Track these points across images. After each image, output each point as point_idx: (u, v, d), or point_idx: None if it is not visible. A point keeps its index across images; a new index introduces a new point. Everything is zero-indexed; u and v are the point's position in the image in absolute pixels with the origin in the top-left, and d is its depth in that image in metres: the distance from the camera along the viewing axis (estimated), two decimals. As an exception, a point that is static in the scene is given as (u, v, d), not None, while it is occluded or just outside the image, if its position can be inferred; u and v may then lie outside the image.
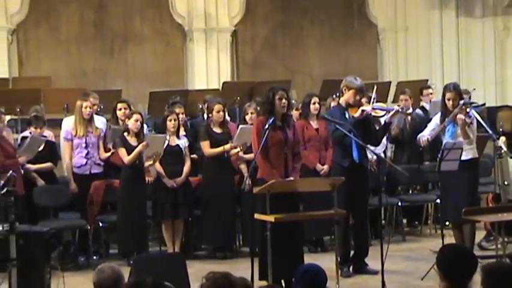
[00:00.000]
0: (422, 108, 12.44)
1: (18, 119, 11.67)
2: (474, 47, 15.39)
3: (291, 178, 8.27)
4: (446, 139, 9.30)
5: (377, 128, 9.32)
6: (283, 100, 8.31)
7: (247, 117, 10.31)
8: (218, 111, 10.32)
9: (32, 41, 14.30)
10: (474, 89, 10.18)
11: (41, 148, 10.18)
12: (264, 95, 8.57)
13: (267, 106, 8.41)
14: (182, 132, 10.48)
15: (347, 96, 9.11)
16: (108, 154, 10.34)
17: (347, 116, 8.98)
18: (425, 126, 10.06)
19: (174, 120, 10.18)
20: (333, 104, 10.55)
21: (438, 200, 10.64)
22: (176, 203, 10.08)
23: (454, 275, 4.95)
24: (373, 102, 9.21)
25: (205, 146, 10.28)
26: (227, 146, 10.19)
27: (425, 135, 9.47)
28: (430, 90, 12.55)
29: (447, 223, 9.85)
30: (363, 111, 8.91)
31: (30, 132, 10.31)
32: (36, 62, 14.29)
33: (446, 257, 5.11)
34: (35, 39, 14.32)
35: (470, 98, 11.41)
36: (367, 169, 9.28)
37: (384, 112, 9.11)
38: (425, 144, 9.62)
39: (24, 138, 10.33)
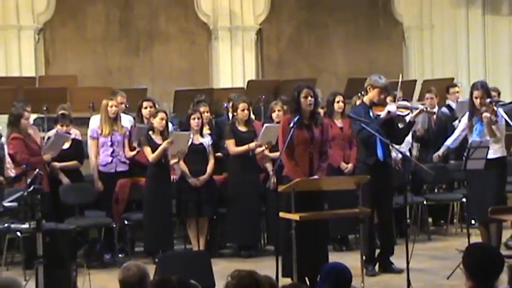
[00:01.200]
0: (448, 107, 12.39)
1: (45, 117, 11.72)
2: (501, 44, 15.33)
3: (316, 177, 8.26)
4: (473, 138, 9.27)
5: (400, 126, 9.29)
6: (309, 98, 8.29)
7: (274, 115, 10.30)
8: (243, 110, 10.32)
9: (58, 40, 14.38)
10: (498, 92, 10.14)
11: (67, 146, 10.24)
12: (290, 93, 8.59)
13: (293, 105, 8.41)
14: (207, 130, 10.51)
15: (371, 95, 9.10)
16: (134, 153, 10.38)
17: (371, 114, 8.97)
18: (451, 125, 10.07)
19: (198, 118, 10.21)
20: (357, 101, 10.54)
21: (464, 199, 10.60)
22: (200, 201, 10.11)
23: (481, 274, 4.93)
24: (397, 101, 9.20)
25: (230, 145, 10.29)
26: (252, 145, 10.19)
27: (437, 153, 9.63)
28: (457, 89, 12.47)
29: (473, 222, 9.81)
30: (389, 112, 8.89)
31: (57, 131, 10.37)
32: (62, 61, 14.37)
33: (472, 256, 5.08)
34: (61, 39, 14.39)
35: (499, 95, 11.39)
36: (391, 167, 9.27)
37: (408, 111, 9.10)
38: (438, 160, 9.87)
39: (50, 137, 10.39)
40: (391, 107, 8.98)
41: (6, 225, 8.48)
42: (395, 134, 9.11)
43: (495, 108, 9.25)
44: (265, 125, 10.19)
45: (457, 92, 12.40)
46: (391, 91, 9.38)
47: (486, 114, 9.15)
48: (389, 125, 9.00)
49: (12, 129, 10.06)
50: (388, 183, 9.13)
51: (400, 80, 9.43)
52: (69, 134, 10.35)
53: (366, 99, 9.20)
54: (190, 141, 10.09)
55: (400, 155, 9.52)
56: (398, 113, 9.04)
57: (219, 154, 10.56)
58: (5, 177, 10.30)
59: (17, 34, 13.95)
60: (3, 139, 10.47)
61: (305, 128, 8.29)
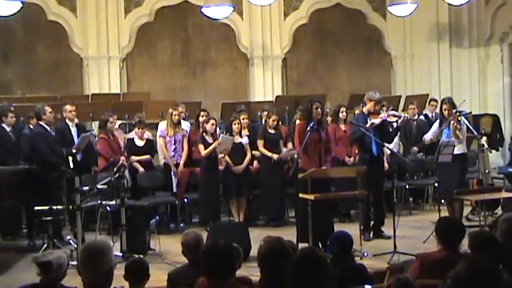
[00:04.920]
0: (425, 116, 12.33)
1: (126, 123, 11.81)
2: (463, 69, 15.21)
3: (324, 167, 8.28)
4: (443, 139, 9.24)
5: (390, 130, 9.25)
6: (319, 109, 8.35)
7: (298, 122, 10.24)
8: (274, 121, 10.36)
9: (136, 66, 14.45)
10: (464, 100, 10.08)
11: (142, 144, 10.33)
12: (304, 104, 8.60)
13: (306, 113, 8.45)
14: (246, 132, 10.52)
15: (368, 106, 9.08)
16: (184, 157, 10.35)
17: (368, 121, 8.94)
18: (428, 129, 10.03)
19: (238, 123, 10.26)
20: (357, 111, 10.52)
21: (436, 184, 10.54)
22: (240, 185, 10.12)
23: (448, 239, 4.93)
24: (388, 111, 9.17)
25: (260, 144, 10.30)
26: (275, 156, 10.16)
27: (428, 136, 9.47)
28: (435, 103, 12.37)
29: (442, 201, 9.75)
30: (372, 123, 8.86)
31: (135, 133, 10.42)
32: (139, 81, 14.43)
33: (442, 226, 5.09)
34: (139, 65, 14.46)
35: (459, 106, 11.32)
36: (383, 161, 9.23)
37: (396, 118, 9.07)
38: (429, 142, 9.62)
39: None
40: (374, 120, 8.92)
41: (98, 202, 8.56)
42: (387, 136, 9.10)
43: (459, 117, 9.22)
44: (221, 136, 10.15)
45: (435, 105, 12.31)
46: (383, 103, 9.34)
47: (453, 122, 9.13)
48: (383, 128, 8.98)
49: (100, 131, 10.16)
50: (380, 172, 9.11)
51: (391, 107, 9.38)
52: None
53: (364, 109, 9.18)
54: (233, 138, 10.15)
55: (389, 151, 9.48)
56: (388, 119, 9.01)
57: (255, 152, 10.54)
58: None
59: (107, 62, 14.04)
60: (97, 139, 10.56)
61: (315, 131, 8.31)
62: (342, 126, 10.31)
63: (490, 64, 14.95)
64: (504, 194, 9.00)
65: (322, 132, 8.42)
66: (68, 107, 9.96)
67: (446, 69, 15.30)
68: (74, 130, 9.93)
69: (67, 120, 9.95)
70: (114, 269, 3.92)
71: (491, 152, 11.84)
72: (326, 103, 11.39)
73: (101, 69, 13.99)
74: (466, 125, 9.38)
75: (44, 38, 13.90)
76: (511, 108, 14.66)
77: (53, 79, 13.89)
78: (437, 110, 11.25)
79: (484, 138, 10.51)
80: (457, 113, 9.22)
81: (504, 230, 5.03)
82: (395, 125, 9.16)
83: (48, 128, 9.21)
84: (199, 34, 14.78)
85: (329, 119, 10.45)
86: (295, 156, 8.61)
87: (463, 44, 15.25)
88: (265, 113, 10.89)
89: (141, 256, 7.33)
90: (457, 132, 9.15)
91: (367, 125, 8.83)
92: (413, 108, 11.88)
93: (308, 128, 8.14)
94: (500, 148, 13.69)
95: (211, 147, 9.95)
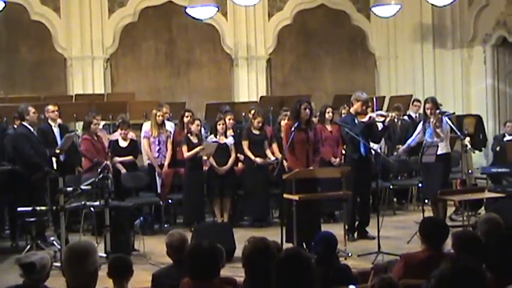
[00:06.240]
0: (409, 116, 12.39)
1: (111, 124, 11.77)
2: (446, 70, 15.29)
3: (311, 168, 8.27)
4: (426, 139, 9.29)
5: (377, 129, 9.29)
6: (307, 110, 8.34)
7: (282, 122, 10.25)
8: (259, 122, 10.35)
9: (120, 67, 14.40)
10: (441, 105, 10.17)
11: (125, 144, 10.29)
12: (293, 105, 8.60)
13: (294, 113, 8.44)
14: (231, 133, 10.51)
15: (356, 107, 9.08)
16: (168, 157, 10.36)
17: (356, 121, 8.97)
18: (413, 130, 10.10)
19: (222, 124, 10.25)
20: (343, 111, 10.54)
21: (420, 184, 10.59)
22: (223, 185, 10.11)
23: (432, 239, 4.95)
24: (376, 110, 9.22)
25: (245, 145, 10.30)
26: (258, 160, 10.16)
27: (403, 147, 9.61)
28: (419, 104, 12.44)
29: (426, 201, 9.80)
30: (370, 117, 8.91)
31: (119, 133, 10.37)
32: (123, 82, 14.39)
33: (426, 226, 5.11)
34: (123, 66, 14.42)
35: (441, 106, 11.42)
36: (371, 161, 9.26)
37: (383, 118, 9.10)
38: (401, 153, 9.79)
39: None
40: (371, 114, 9.00)
41: (82, 202, 8.52)
42: (375, 135, 9.13)
43: (439, 116, 9.30)
44: (205, 142, 10.15)
45: (419, 106, 12.37)
46: (370, 103, 9.38)
47: (432, 120, 9.21)
48: (371, 128, 9.01)
49: (84, 132, 10.13)
50: (368, 172, 9.07)
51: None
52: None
53: (352, 110, 9.19)
54: (217, 142, 10.12)
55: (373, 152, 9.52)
56: (376, 119, 9.04)
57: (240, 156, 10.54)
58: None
59: (91, 62, 13.98)
60: (80, 139, 10.51)
61: (303, 131, 8.31)
62: (328, 127, 10.32)
63: (473, 65, 15.04)
64: (487, 194, 9.06)
65: (310, 133, 8.42)
66: (50, 107, 9.91)
67: (429, 70, 15.39)
68: (56, 130, 9.87)
69: (49, 121, 9.89)
70: (98, 270, 3.90)
71: (474, 153, 11.95)
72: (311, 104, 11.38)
73: (85, 69, 13.92)
74: (450, 125, 9.44)
75: (27, 38, 13.82)
76: (494, 108, 14.75)
77: (36, 79, 13.82)
78: (421, 111, 11.31)
79: (467, 138, 10.59)
80: (441, 114, 9.29)
81: (484, 231, 5.07)
82: (380, 125, 9.20)
83: (32, 129, 9.16)
84: (184, 34, 14.76)
85: (315, 119, 10.46)
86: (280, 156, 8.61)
87: (446, 45, 15.34)
88: (252, 111, 10.88)
89: (125, 257, 7.29)
90: (437, 130, 9.20)
91: (365, 119, 8.87)
92: (400, 115, 11.91)
93: (292, 128, 8.15)
94: (483, 148, 13.79)
95: (193, 151, 9.91)
